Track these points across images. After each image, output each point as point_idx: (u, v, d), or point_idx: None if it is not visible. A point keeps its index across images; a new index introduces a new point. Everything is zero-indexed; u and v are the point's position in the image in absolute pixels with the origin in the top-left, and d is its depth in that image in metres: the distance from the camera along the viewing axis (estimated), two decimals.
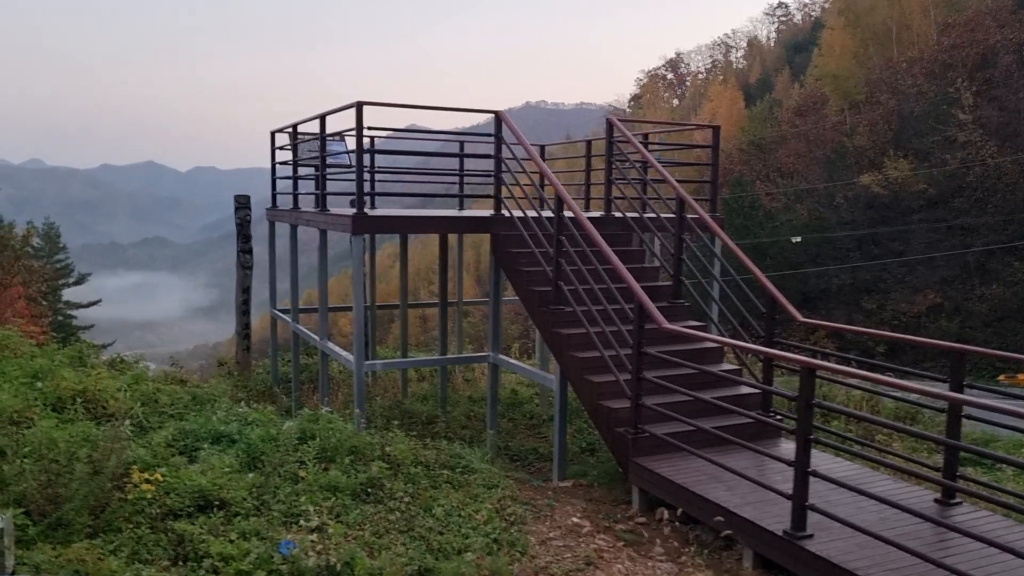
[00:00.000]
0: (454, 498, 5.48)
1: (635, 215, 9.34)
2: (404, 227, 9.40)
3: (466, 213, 10.27)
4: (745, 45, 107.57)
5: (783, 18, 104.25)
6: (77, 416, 5.99)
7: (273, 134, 11.96)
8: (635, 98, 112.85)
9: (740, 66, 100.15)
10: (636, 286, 6.88)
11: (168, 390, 7.18)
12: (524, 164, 8.91)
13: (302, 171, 12.07)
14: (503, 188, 8.95)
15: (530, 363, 13.05)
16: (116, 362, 9.43)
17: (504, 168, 8.88)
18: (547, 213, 8.31)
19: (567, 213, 7.85)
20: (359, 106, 8.10)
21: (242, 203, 12.24)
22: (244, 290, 12.44)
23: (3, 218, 19.65)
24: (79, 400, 6.12)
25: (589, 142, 12.40)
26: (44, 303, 15.29)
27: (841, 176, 37.52)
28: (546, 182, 8.44)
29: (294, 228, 10.95)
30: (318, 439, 5.92)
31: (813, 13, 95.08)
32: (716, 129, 10.22)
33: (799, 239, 30.42)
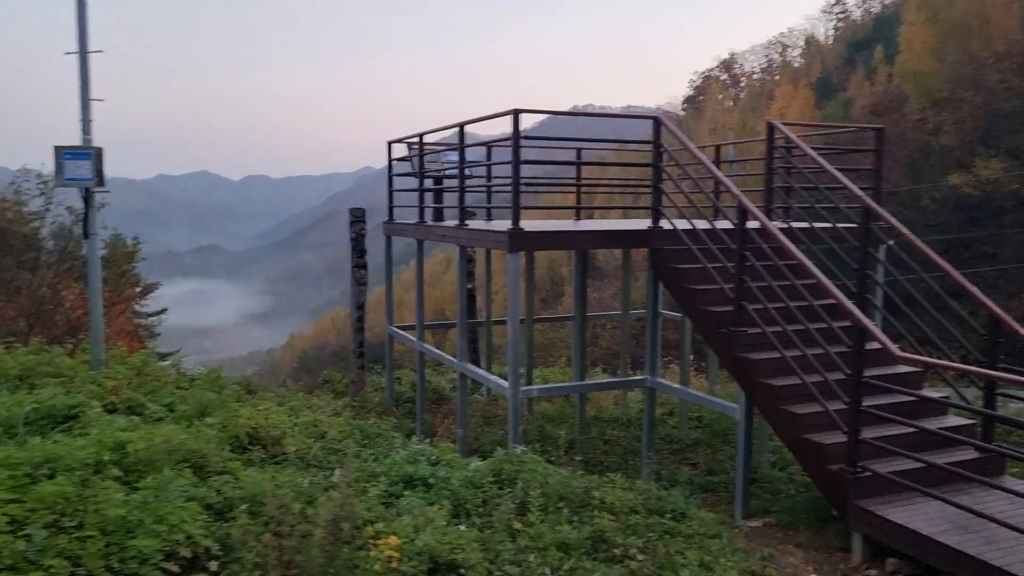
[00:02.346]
0: (692, 556, 4.83)
1: (802, 225, 8.60)
2: (563, 243, 8.79)
3: (617, 225, 9.61)
4: (802, 43, 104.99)
5: (841, 15, 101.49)
6: (256, 457, 5.52)
7: (390, 144, 11.49)
8: (689, 100, 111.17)
9: (798, 65, 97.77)
10: (851, 305, 6.16)
11: (331, 423, 6.68)
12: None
13: (403, 182, 11.66)
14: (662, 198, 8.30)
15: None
16: (247, 386, 9.03)
17: (665, 175, 8.23)
18: (721, 223, 7.64)
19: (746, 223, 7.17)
20: (515, 114, 7.53)
21: (357, 216, 11.77)
22: (359, 307, 11.97)
23: (71, 232, 19.57)
24: (258, 439, 5.63)
25: (718, 146, 11.68)
26: (148, 319, 15.14)
27: (926, 177, 35.95)
28: (717, 189, 7.78)
29: (420, 243, 10.43)
30: (520, 483, 5.33)
31: (873, 9, 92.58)
32: (879, 131, 9.43)
33: (891, 242, 29.02)
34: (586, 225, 9.50)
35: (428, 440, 7.69)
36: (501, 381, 8.21)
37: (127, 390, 6.91)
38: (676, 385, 8.90)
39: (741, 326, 7.12)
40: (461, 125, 8.78)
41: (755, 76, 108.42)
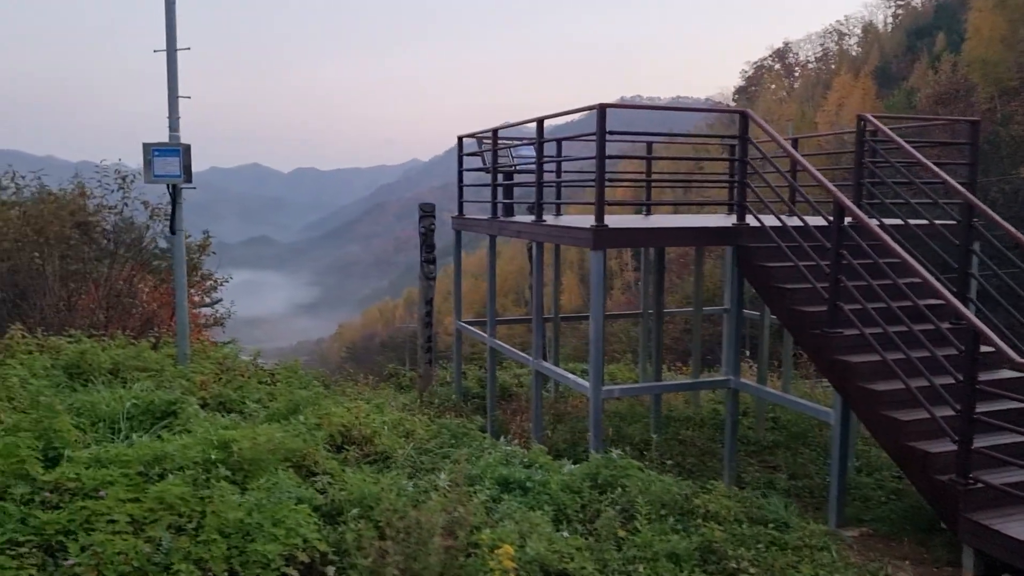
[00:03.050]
0: (805, 570, 4.65)
1: (896, 221, 8.29)
2: (646, 240, 8.61)
3: (699, 221, 9.38)
4: (860, 32, 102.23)
5: (901, 2, 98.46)
6: (352, 456, 5.49)
7: (460, 139, 11.42)
8: (741, 90, 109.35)
9: (855, 54, 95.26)
10: (963, 307, 5.88)
11: (417, 422, 6.63)
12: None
13: (470, 177, 11.60)
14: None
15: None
16: (324, 381, 9.05)
17: (750, 170, 8.00)
18: (812, 220, 7.39)
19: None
20: (601, 108, 7.37)
21: (427, 211, 11.74)
22: (427, 302, 11.95)
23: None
24: (351, 438, 5.60)
25: (795, 139, 11.34)
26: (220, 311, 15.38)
27: (996, 169, 34.70)
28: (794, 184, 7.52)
29: (493, 239, 10.34)
30: (619, 489, 5.21)
31: None
32: (975, 124, 9.05)
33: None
34: (665, 221, 9.29)
35: (513, 440, 7.59)
36: (582, 381, 8.08)
37: (215, 386, 6.97)
38: (763, 387, 8.66)
39: (837, 327, 6.87)
40: (540, 120, 8.65)
41: (810, 65, 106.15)
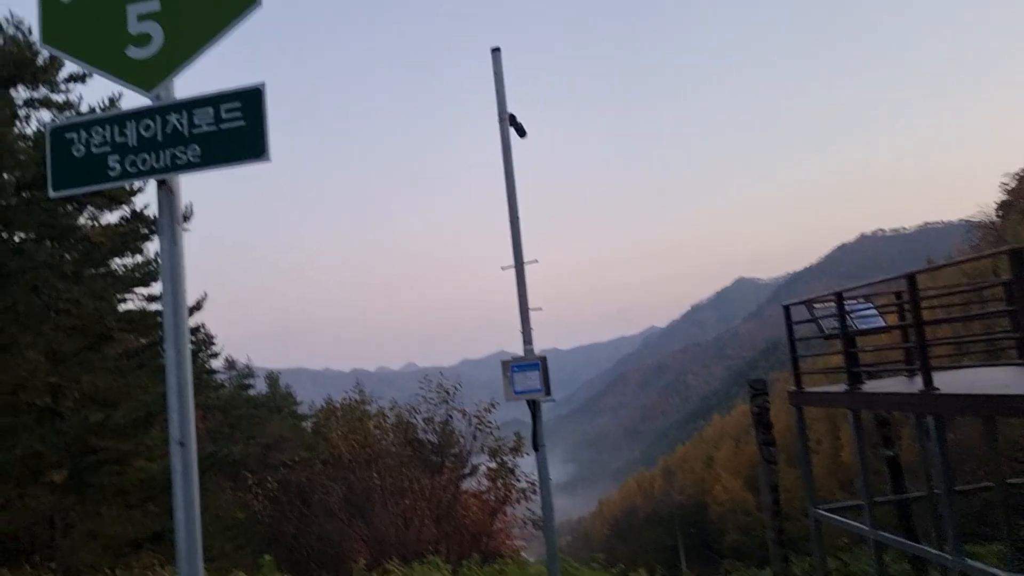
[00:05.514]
0: None
1: None
2: None
3: None
4: None
5: None
6: None
7: (787, 308, 10.52)
8: (1005, 205, 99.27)
9: None
10: None
11: None
12: None
13: (791, 342, 10.45)
14: None
15: None
16: None
17: None
18: None
19: None
20: (1015, 252, 6.19)
21: (758, 389, 10.72)
22: (772, 488, 10.63)
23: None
24: None
25: None
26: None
27: None
28: None
29: (856, 414, 9.05)
30: None
31: None
32: None
33: None
34: None
35: None
36: None
37: None
38: None
39: None
40: (911, 275, 7.59)
41: None
